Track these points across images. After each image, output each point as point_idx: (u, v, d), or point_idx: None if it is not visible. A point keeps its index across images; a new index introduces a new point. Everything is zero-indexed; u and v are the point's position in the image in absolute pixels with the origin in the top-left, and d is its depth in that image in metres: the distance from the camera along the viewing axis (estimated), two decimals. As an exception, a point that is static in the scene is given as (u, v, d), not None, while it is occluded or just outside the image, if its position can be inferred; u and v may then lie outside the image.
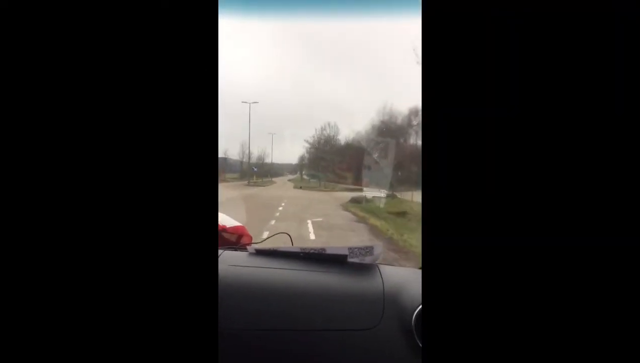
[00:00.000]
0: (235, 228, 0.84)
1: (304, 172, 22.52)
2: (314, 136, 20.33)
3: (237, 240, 0.83)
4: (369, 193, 10.07)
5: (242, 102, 17.80)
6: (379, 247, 0.66)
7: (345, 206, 8.57)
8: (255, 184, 18.31)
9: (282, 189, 15.74)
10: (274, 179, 23.67)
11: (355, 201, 8.98)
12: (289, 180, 23.13)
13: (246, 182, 18.77)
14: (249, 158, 22.04)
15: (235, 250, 0.74)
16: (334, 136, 20.01)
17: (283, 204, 8.40)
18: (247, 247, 0.74)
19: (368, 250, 0.65)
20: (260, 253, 0.70)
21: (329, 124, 19.94)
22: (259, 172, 22.96)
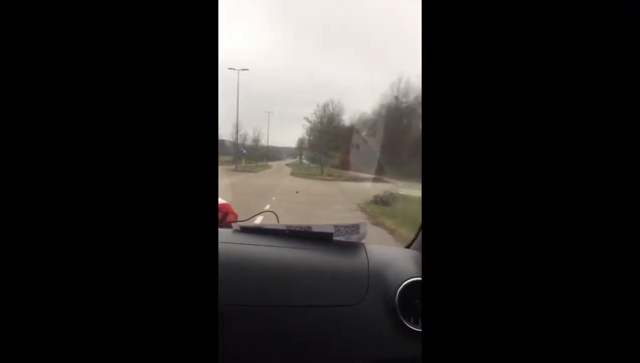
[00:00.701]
0: (221, 206, 0.85)
1: (303, 156, 19.70)
2: (315, 113, 17.13)
3: (222, 218, 0.84)
4: (394, 186, 6.96)
5: (229, 68, 14.50)
6: (365, 226, 0.67)
7: (368, 211, 5.40)
8: (244, 170, 15.28)
9: (275, 176, 12.80)
10: (269, 163, 20.98)
11: (382, 201, 5.77)
12: (287, 164, 20.57)
13: (234, 167, 15.72)
14: (237, 136, 18.73)
15: (221, 227, 0.74)
16: (338, 114, 16.85)
17: (268, 206, 5.26)
18: (232, 224, 0.74)
19: (354, 229, 0.66)
20: (246, 230, 0.71)
21: (332, 101, 16.77)
22: (253, 155, 20.12)
